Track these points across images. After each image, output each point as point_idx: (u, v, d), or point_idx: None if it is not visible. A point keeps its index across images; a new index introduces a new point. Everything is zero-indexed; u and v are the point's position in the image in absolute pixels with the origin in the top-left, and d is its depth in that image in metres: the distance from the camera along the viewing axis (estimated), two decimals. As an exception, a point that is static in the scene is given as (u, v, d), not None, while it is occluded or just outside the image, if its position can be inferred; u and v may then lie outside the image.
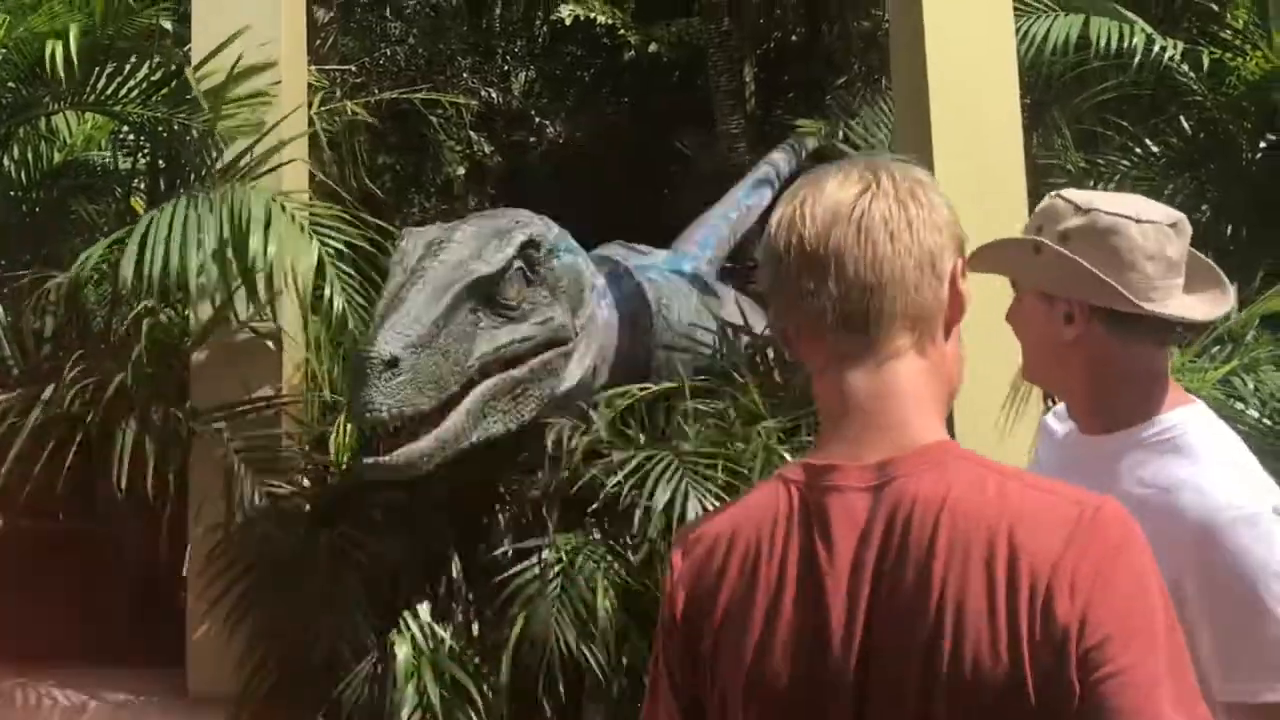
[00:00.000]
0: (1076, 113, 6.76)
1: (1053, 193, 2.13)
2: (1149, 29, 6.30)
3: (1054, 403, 2.49)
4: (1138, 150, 6.66)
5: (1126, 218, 2.02)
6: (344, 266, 5.01)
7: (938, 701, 1.32)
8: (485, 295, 4.33)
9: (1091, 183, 6.42)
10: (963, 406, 4.61)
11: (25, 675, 4.88)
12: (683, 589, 1.49)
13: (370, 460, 4.07)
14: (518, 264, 4.43)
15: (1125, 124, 6.64)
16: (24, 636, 4.93)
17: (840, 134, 8.91)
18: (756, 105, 10.73)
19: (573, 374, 4.69)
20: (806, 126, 9.04)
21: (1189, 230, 2.08)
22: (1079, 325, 2.03)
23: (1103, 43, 6.19)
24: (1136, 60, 6.22)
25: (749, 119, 9.93)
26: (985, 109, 4.93)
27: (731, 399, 4.97)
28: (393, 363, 3.96)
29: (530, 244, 4.51)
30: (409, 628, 4.58)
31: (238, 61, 4.90)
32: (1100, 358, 2.04)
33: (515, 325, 4.42)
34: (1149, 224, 2.03)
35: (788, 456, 4.52)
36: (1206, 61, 6.40)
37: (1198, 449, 1.99)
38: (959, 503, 1.37)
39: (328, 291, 4.89)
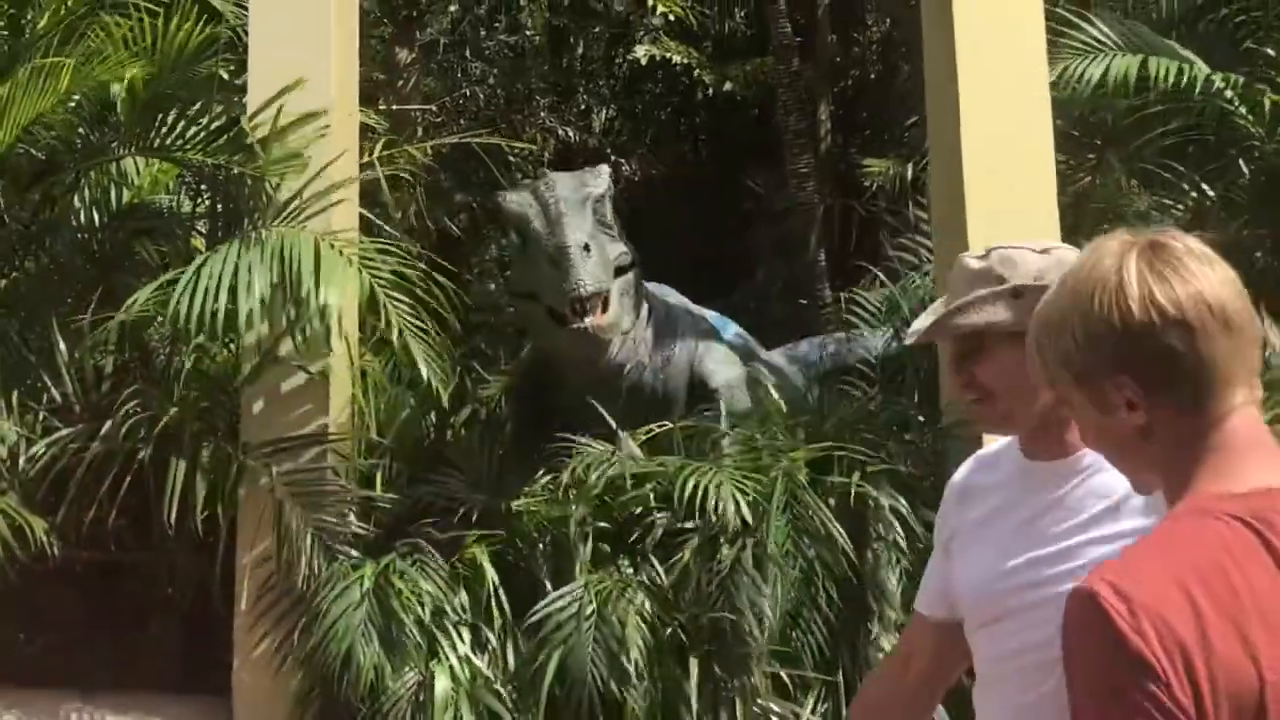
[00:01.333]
0: (1137, 156, 6.69)
1: (959, 256, 2.30)
2: (1207, 69, 6.22)
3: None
4: (1193, 194, 6.57)
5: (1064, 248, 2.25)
6: (400, 297, 5.12)
7: None
8: (598, 213, 5.15)
9: (1152, 225, 6.37)
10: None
11: (81, 701, 5.02)
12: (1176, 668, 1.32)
13: (575, 326, 4.86)
14: (610, 189, 5.35)
15: (1182, 168, 6.55)
16: (80, 663, 5.11)
17: (909, 173, 8.93)
18: (832, 144, 10.75)
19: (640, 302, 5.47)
20: (874, 165, 9.08)
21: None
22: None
23: (1162, 81, 6.12)
24: (1195, 98, 6.13)
25: (819, 157, 9.95)
26: (1018, 151, 4.94)
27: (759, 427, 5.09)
28: (586, 247, 4.86)
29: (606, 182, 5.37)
30: (448, 659, 4.68)
31: (279, 113, 5.07)
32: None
33: (615, 242, 5.22)
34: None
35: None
36: (1267, 104, 6.31)
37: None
38: None
39: (391, 322, 5.02)
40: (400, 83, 10.37)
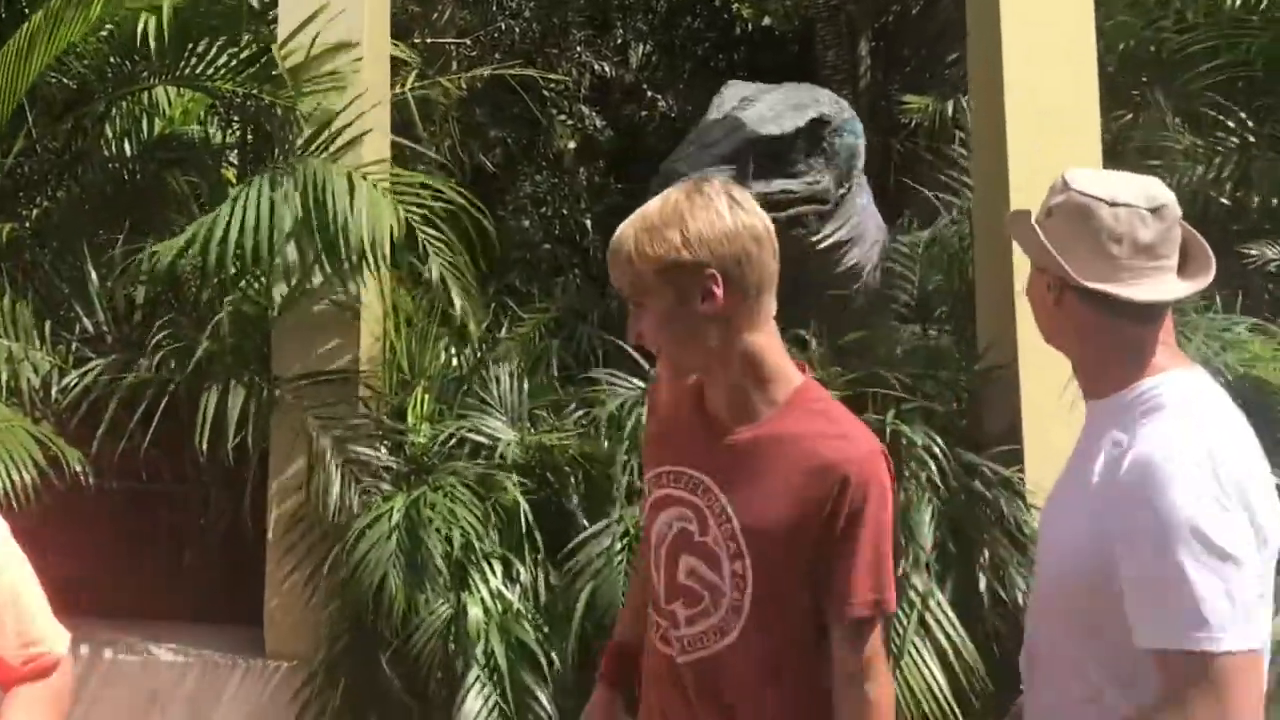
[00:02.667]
0: (1182, 93, 6.56)
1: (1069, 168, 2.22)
2: None
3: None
4: (1239, 131, 6.44)
5: (1099, 200, 2.11)
6: (432, 231, 5.07)
7: None
8: (770, 150, 5.24)
9: (1197, 164, 6.27)
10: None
11: (115, 631, 5.07)
12: None
13: None
14: (801, 138, 5.32)
15: (1231, 105, 6.42)
16: (113, 593, 5.15)
17: (950, 109, 8.78)
18: (871, 80, 10.58)
19: (826, 233, 5.53)
20: (914, 102, 8.93)
21: (1173, 214, 2.13)
22: (1054, 294, 2.17)
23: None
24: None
25: (858, 93, 9.80)
26: (1060, 80, 4.83)
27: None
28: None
29: (819, 121, 5.45)
30: (479, 590, 4.68)
31: (315, 40, 5.01)
32: (1084, 327, 2.17)
33: (787, 180, 5.31)
34: (1123, 207, 2.11)
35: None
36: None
37: (1170, 408, 2.08)
38: None
39: (419, 258, 4.99)
40: (435, 15, 10.26)
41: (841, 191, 5.59)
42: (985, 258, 4.99)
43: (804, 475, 2.22)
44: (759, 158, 5.19)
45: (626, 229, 2.25)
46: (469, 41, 10.58)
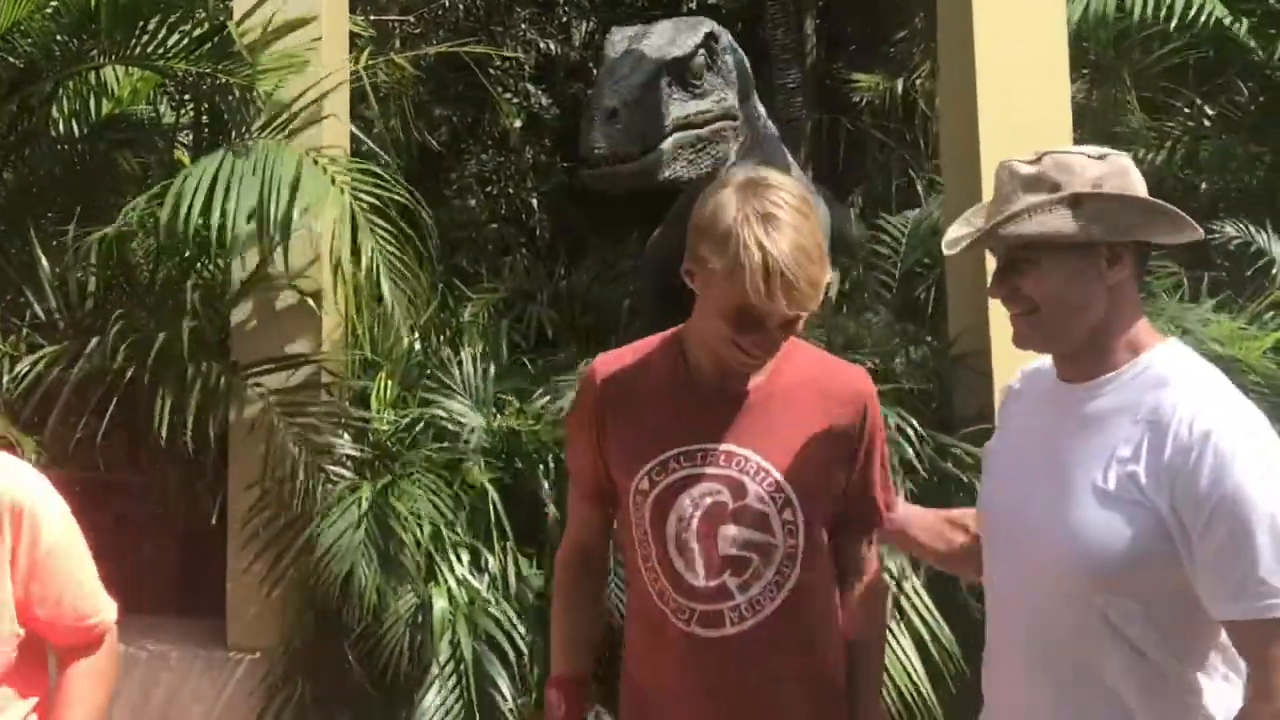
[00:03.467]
0: (1138, 76, 6.60)
1: (1004, 160, 2.23)
2: None
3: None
4: (1194, 113, 6.50)
5: (1124, 158, 2.19)
6: (379, 221, 4.96)
7: None
8: (678, 74, 5.34)
9: (1148, 147, 6.31)
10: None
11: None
12: None
13: (592, 172, 5.21)
14: (701, 51, 5.45)
15: (1182, 89, 6.47)
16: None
17: (899, 88, 8.79)
18: (817, 58, 10.55)
19: (733, 149, 5.64)
20: (863, 81, 8.93)
21: None
22: (1125, 265, 2.15)
23: (1138, 10, 6.01)
24: (1174, 23, 6.02)
25: (808, 73, 9.76)
26: (1031, 64, 4.81)
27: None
28: (612, 113, 5.08)
29: (712, 35, 5.58)
30: (446, 580, 4.61)
31: (272, 17, 4.89)
32: (1125, 297, 2.17)
33: (699, 100, 5.42)
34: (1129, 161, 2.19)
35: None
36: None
37: (1182, 379, 2.10)
38: None
39: (362, 247, 4.84)
40: (378, -10, 10.10)
41: (745, 109, 5.79)
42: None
43: (827, 410, 2.41)
44: (668, 84, 5.32)
45: (797, 259, 2.21)
46: (412, 19, 10.44)
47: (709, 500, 2.36)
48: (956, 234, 2.32)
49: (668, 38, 5.44)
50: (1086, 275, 2.15)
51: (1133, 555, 2.04)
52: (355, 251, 4.92)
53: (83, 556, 2.61)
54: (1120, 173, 2.16)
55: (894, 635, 4.34)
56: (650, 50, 5.31)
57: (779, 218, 2.22)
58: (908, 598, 4.41)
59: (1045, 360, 2.34)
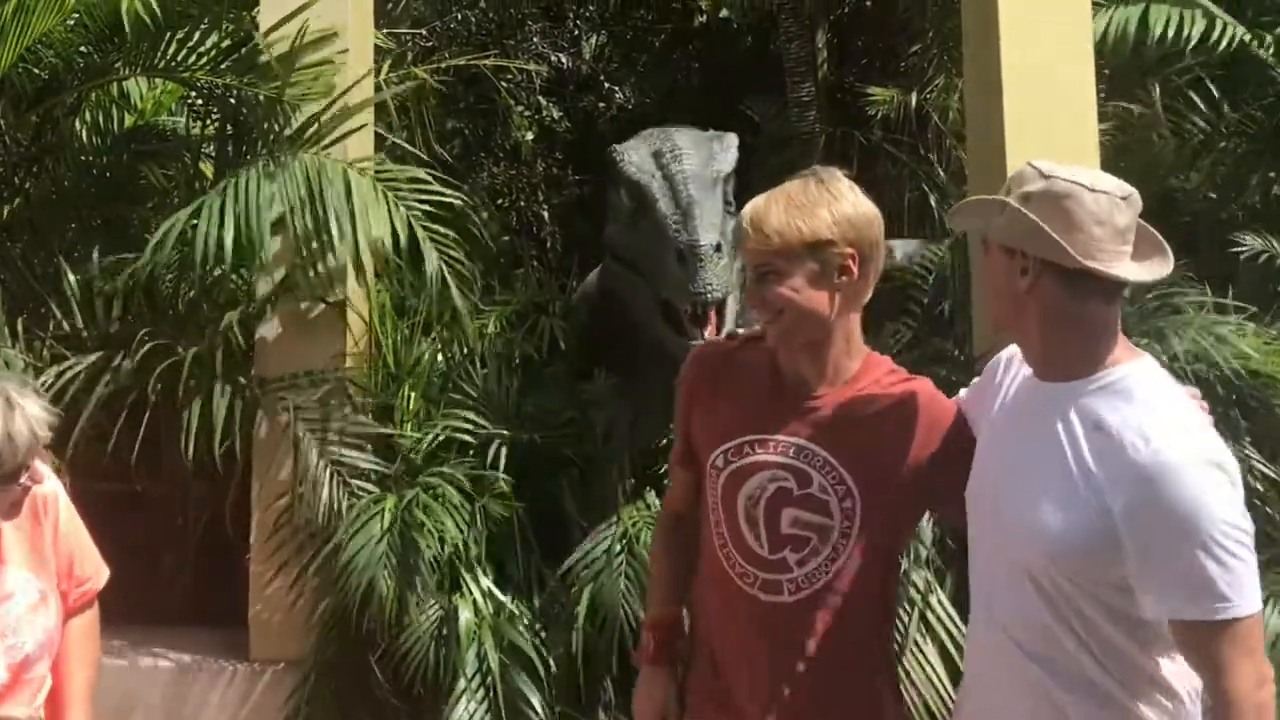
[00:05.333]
0: (1159, 83, 6.62)
1: (1028, 160, 2.39)
2: (1215, 10, 6.13)
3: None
4: (1207, 126, 6.51)
5: (1081, 186, 2.29)
6: (436, 227, 4.97)
7: None
8: (725, 196, 4.74)
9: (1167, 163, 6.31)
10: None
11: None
12: None
13: (690, 339, 4.37)
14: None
15: (1196, 102, 6.49)
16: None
17: (913, 101, 8.80)
18: (829, 72, 10.58)
19: None
20: (876, 94, 8.93)
21: (1139, 204, 2.33)
22: (1031, 277, 2.31)
23: (1157, 32, 6.04)
24: (1192, 44, 6.05)
25: (820, 86, 9.77)
26: (1058, 74, 4.81)
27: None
28: (718, 248, 4.43)
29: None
30: (471, 593, 4.61)
31: (303, 28, 4.89)
32: (1052, 308, 2.32)
33: (730, 214, 4.74)
34: (1101, 193, 2.28)
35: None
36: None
37: (1142, 397, 2.26)
38: None
39: (426, 255, 4.83)
40: (390, 5, 10.12)
41: None
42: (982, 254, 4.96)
43: (899, 417, 2.58)
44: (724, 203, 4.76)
45: (770, 205, 2.51)
46: (425, 32, 10.46)
47: (775, 486, 2.58)
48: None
49: (705, 152, 4.84)
50: (1008, 277, 2.36)
51: (1086, 547, 2.23)
52: (388, 262, 4.93)
53: (81, 532, 3.02)
54: (1049, 195, 2.29)
55: (919, 646, 4.41)
56: (699, 166, 4.70)
57: (787, 184, 2.54)
58: (933, 610, 4.47)
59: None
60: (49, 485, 2.86)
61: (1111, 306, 2.33)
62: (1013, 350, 2.57)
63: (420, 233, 4.80)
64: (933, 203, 7.57)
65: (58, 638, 2.89)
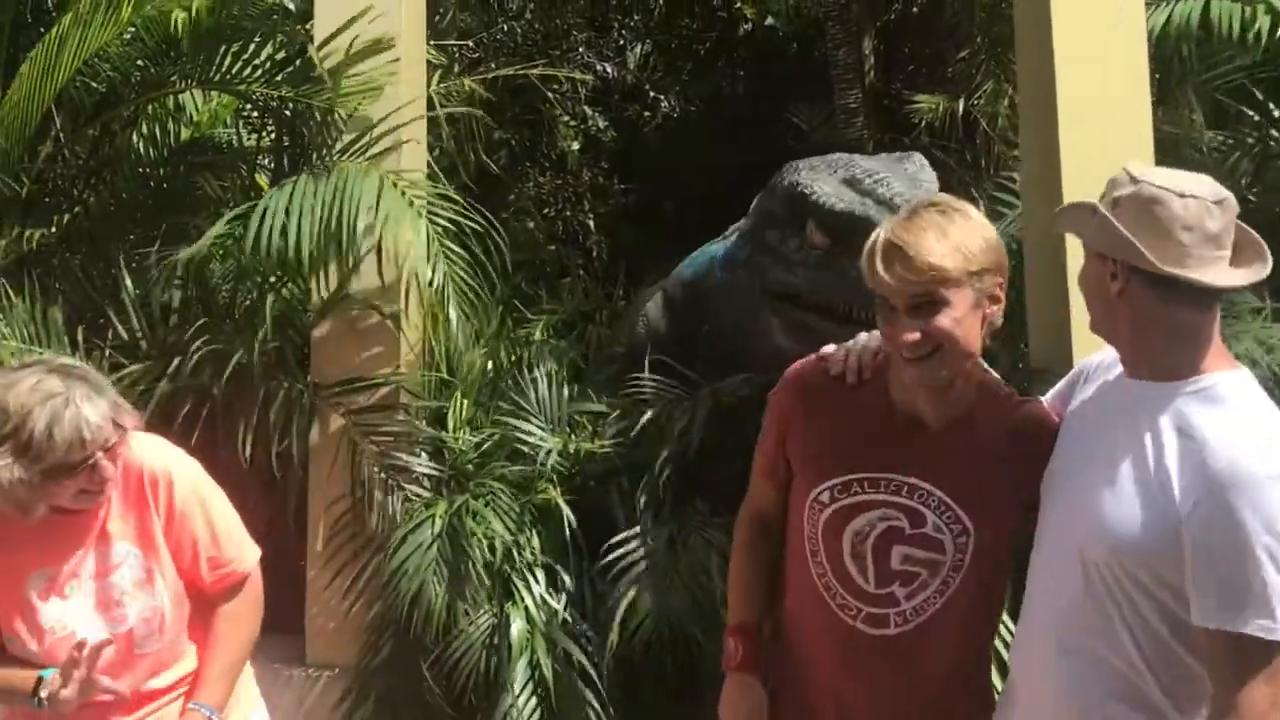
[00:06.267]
0: (1206, 91, 6.55)
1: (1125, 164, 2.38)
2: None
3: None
4: (1265, 128, 6.44)
5: (1170, 191, 2.26)
6: (451, 245, 5.00)
7: None
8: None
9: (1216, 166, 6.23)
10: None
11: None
12: None
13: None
14: None
15: (1257, 98, 6.41)
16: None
17: (960, 107, 8.79)
18: (875, 79, 10.57)
19: None
20: (923, 101, 8.93)
21: (1235, 208, 2.31)
22: (1121, 282, 2.31)
23: (1224, 28, 5.98)
24: (1263, 42, 5.99)
25: (867, 93, 9.79)
26: (1112, 82, 4.78)
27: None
28: None
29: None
30: (523, 600, 4.62)
31: (354, 41, 4.94)
32: (1142, 313, 2.32)
33: None
34: (1191, 199, 2.26)
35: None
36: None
37: (1232, 405, 2.25)
38: None
39: (434, 270, 4.87)
40: (436, 18, 10.20)
41: None
42: (1036, 257, 4.95)
43: (1015, 448, 2.51)
44: None
45: (920, 233, 2.36)
46: (471, 43, 10.53)
47: (885, 525, 2.53)
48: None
49: (909, 173, 4.63)
50: (1100, 281, 2.36)
51: (1149, 545, 2.23)
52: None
53: (214, 512, 2.95)
54: (1137, 200, 2.28)
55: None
56: (918, 194, 4.35)
57: (918, 212, 2.42)
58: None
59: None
60: (162, 471, 2.86)
61: (1205, 313, 2.31)
62: (1097, 359, 2.58)
63: (435, 248, 4.79)
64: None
65: (170, 620, 2.89)
